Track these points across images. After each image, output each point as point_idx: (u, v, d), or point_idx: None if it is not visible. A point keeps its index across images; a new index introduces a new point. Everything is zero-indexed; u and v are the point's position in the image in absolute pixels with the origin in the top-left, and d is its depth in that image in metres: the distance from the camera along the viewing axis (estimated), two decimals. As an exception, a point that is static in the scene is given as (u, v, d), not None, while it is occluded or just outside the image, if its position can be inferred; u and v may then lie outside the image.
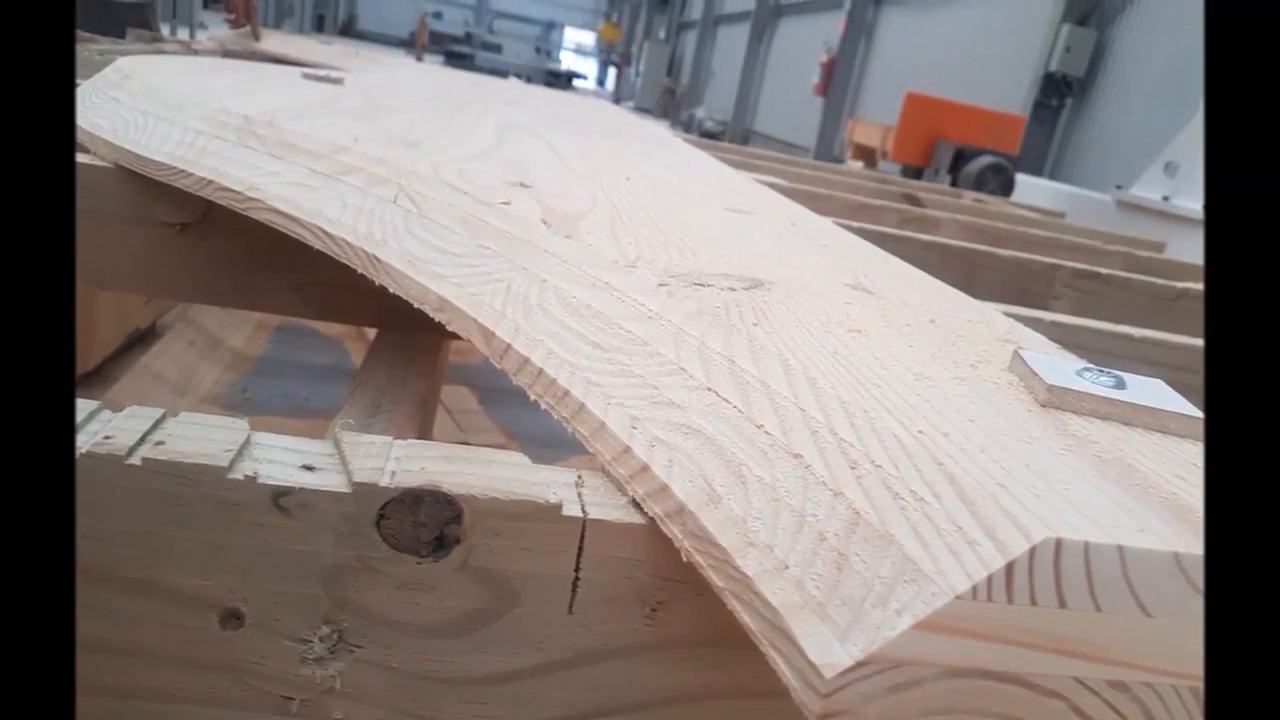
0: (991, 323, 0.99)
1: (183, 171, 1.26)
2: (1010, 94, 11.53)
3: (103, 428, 0.64)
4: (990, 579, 0.47)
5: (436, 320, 0.95)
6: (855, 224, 2.07)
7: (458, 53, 34.71)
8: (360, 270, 1.05)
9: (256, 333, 3.13)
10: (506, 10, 52.06)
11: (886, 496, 0.55)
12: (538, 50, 44.73)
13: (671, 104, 30.32)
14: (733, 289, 0.93)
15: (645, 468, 0.68)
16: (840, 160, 12.75)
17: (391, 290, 1.01)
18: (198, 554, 0.63)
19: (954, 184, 8.62)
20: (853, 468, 0.59)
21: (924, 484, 0.56)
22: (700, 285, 0.93)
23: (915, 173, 9.53)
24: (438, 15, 44.30)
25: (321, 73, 2.25)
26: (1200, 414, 0.69)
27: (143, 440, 0.63)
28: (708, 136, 16.99)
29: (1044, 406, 0.71)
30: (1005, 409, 0.69)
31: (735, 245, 1.16)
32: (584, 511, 0.67)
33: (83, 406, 0.65)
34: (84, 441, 0.61)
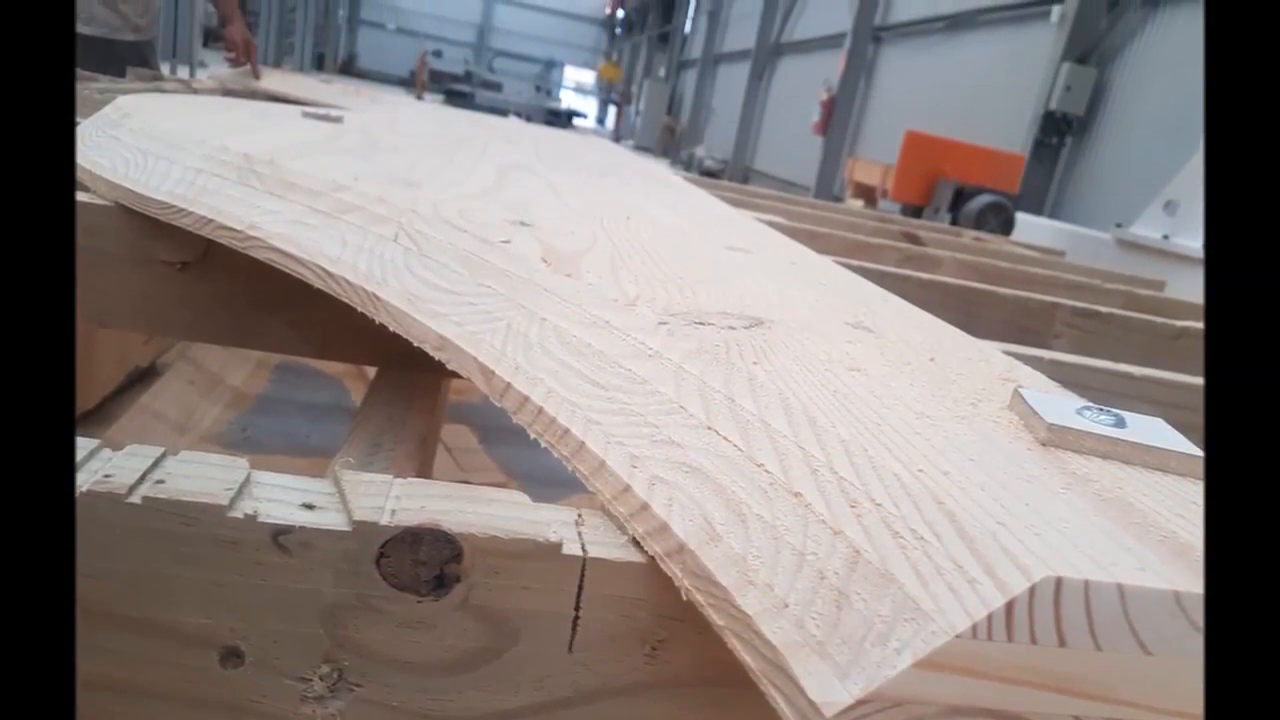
0: (991, 361, 0.99)
1: (183, 210, 1.26)
2: (1011, 132, 11.57)
3: (103, 466, 0.64)
4: (990, 618, 0.47)
5: (436, 359, 0.95)
6: (855, 262, 2.07)
7: (458, 91, 34.75)
8: (360, 309, 1.06)
9: (256, 371, 3.13)
10: (506, 49, 52.33)
11: (886, 535, 0.55)
12: (538, 89, 44.87)
13: (671, 142, 30.44)
14: (732, 327, 0.94)
15: (645, 506, 0.68)
16: (840, 199, 12.79)
17: (391, 329, 1.01)
18: (198, 592, 0.63)
19: (954, 223, 8.65)
20: (852, 506, 0.59)
21: (924, 522, 0.56)
22: (700, 324, 0.93)
23: (915, 211, 9.56)
24: (438, 54, 44.47)
25: (321, 111, 2.26)
26: (1200, 453, 0.69)
27: (143, 479, 0.63)
28: (708, 175, 17.06)
29: (1044, 445, 0.71)
30: (1005, 447, 0.69)
31: (736, 284, 1.17)
32: (584, 550, 0.67)
33: (83, 445, 0.65)
34: (84, 480, 0.61)
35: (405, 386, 1.30)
